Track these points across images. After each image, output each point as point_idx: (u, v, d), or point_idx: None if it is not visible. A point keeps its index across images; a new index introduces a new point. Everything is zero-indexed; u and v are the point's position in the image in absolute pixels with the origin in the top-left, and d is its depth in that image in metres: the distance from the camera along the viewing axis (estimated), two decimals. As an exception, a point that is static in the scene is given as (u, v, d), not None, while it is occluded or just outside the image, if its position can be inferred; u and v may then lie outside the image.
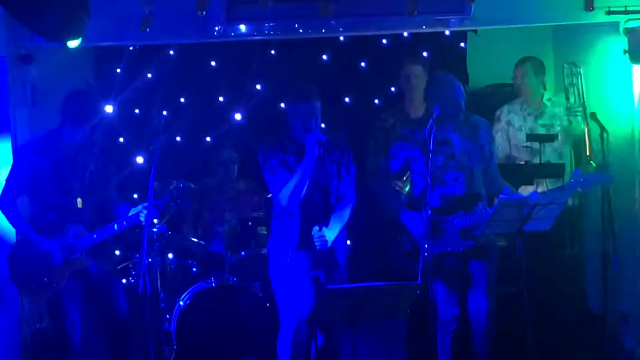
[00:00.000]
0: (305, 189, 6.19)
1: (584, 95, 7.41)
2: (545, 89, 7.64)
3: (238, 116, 8.24)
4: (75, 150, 6.36)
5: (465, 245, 6.37)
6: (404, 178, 6.76)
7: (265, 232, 7.38)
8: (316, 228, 6.16)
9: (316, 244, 6.16)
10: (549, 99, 7.62)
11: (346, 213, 6.33)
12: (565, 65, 7.46)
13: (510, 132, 7.57)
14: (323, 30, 6.91)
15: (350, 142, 6.42)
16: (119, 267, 6.81)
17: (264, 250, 6.49)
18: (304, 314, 6.23)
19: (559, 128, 7.52)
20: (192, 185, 6.40)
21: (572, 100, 7.45)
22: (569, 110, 7.47)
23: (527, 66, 7.53)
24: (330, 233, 6.21)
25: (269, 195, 6.55)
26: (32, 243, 6.27)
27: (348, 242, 6.46)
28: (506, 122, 7.61)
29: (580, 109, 7.41)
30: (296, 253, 6.27)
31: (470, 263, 6.47)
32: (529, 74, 7.52)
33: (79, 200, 6.35)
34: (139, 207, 6.32)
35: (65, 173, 6.33)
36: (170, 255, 7.69)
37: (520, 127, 7.58)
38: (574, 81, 7.43)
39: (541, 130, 7.56)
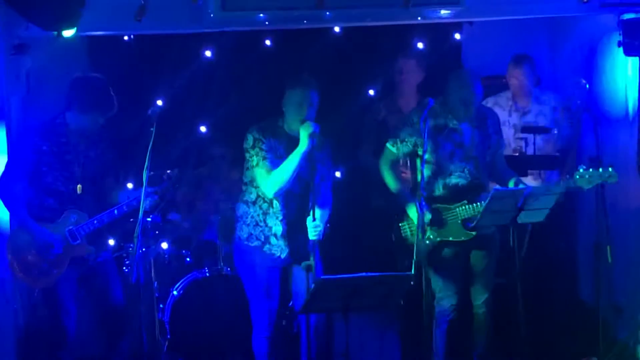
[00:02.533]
0: (292, 180, 6.19)
1: None
2: (539, 83, 7.64)
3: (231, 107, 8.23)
4: (78, 137, 6.36)
5: (467, 235, 6.38)
6: (409, 165, 6.78)
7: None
8: (310, 218, 6.17)
9: (312, 233, 6.17)
10: (537, 97, 7.61)
11: (326, 212, 6.37)
12: None
13: None
14: (318, 21, 6.92)
15: (334, 148, 6.46)
16: (113, 255, 6.81)
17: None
18: (274, 307, 6.25)
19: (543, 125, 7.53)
20: (186, 173, 6.41)
21: None
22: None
23: (526, 67, 7.48)
24: (322, 225, 6.24)
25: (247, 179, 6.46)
26: (31, 230, 6.25)
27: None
28: None
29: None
30: (279, 242, 6.28)
31: (472, 254, 6.49)
32: (527, 75, 7.49)
33: (78, 186, 6.35)
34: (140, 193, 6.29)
35: (67, 159, 6.33)
36: (164, 245, 7.70)
37: (504, 122, 7.49)
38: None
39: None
